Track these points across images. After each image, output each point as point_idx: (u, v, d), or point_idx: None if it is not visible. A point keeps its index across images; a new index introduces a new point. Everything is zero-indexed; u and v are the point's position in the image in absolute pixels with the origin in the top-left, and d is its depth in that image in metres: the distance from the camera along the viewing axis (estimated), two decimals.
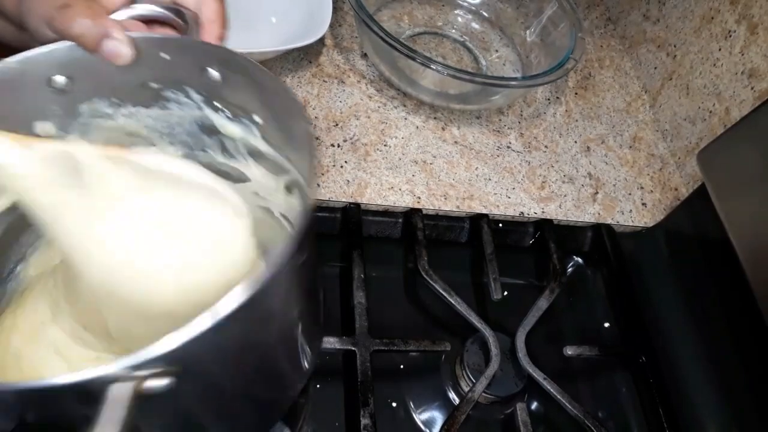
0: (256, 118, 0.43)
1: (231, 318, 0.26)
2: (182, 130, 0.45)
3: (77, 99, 0.41)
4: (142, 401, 0.25)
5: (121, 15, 0.40)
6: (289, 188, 0.45)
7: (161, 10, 0.42)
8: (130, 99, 0.43)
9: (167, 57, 0.40)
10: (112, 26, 0.38)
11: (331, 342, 0.52)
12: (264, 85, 0.39)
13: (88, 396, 0.25)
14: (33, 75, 0.38)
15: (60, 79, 0.40)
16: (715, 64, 0.67)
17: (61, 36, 0.38)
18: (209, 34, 0.41)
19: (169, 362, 0.25)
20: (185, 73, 0.41)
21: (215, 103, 0.43)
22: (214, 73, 0.40)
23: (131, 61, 0.38)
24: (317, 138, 0.64)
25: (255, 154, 0.46)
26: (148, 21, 0.42)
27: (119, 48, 0.38)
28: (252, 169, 0.47)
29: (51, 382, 0.24)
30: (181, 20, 0.42)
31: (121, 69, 0.39)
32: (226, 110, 0.43)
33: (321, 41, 0.70)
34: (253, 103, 0.42)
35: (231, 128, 0.44)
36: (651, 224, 0.67)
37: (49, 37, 0.39)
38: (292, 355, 0.41)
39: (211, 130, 0.45)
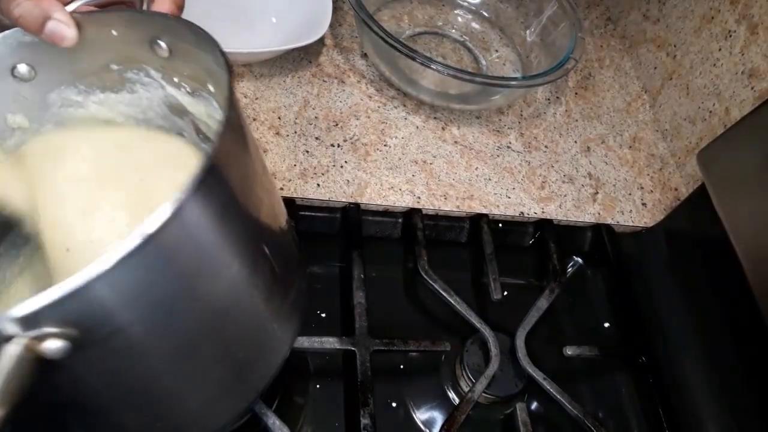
0: (210, 87, 0.41)
1: (132, 260, 0.22)
2: (155, 114, 0.44)
3: (44, 88, 0.40)
4: (47, 371, 0.22)
5: (76, 3, 0.39)
6: None
7: None
8: (96, 85, 0.42)
9: (116, 33, 0.39)
10: (53, 7, 0.36)
11: (330, 342, 0.52)
12: (198, 43, 0.36)
13: None
14: None
15: (23, 68, 0.39)
16: (715, 64, 0.67)
17: (6, 18, 0.37)
18: (159, 7, 0.40)
19: (65, 320, 0.22)
20: (137, 48, 0.40)
21: (174, 79, 0.42)
22: (162, 45, 0.39)
23: (75, 43, 0.37)
24: (317, 138, 0.64)
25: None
26: (104, 5, 0.42)
27: (62, 29, 0.36)
28: None
29: None
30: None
31: (77, 53, 0.38)
32: (186, 86, 0.42)
33: (321, 41, 0.70)
34: (200, 68, 0.40)
35: (195, 105, 0.43)
36: (651, 224, 0.67)
37: (2, 22, 0.38)
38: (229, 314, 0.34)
39: (179, 111, 0.44)
